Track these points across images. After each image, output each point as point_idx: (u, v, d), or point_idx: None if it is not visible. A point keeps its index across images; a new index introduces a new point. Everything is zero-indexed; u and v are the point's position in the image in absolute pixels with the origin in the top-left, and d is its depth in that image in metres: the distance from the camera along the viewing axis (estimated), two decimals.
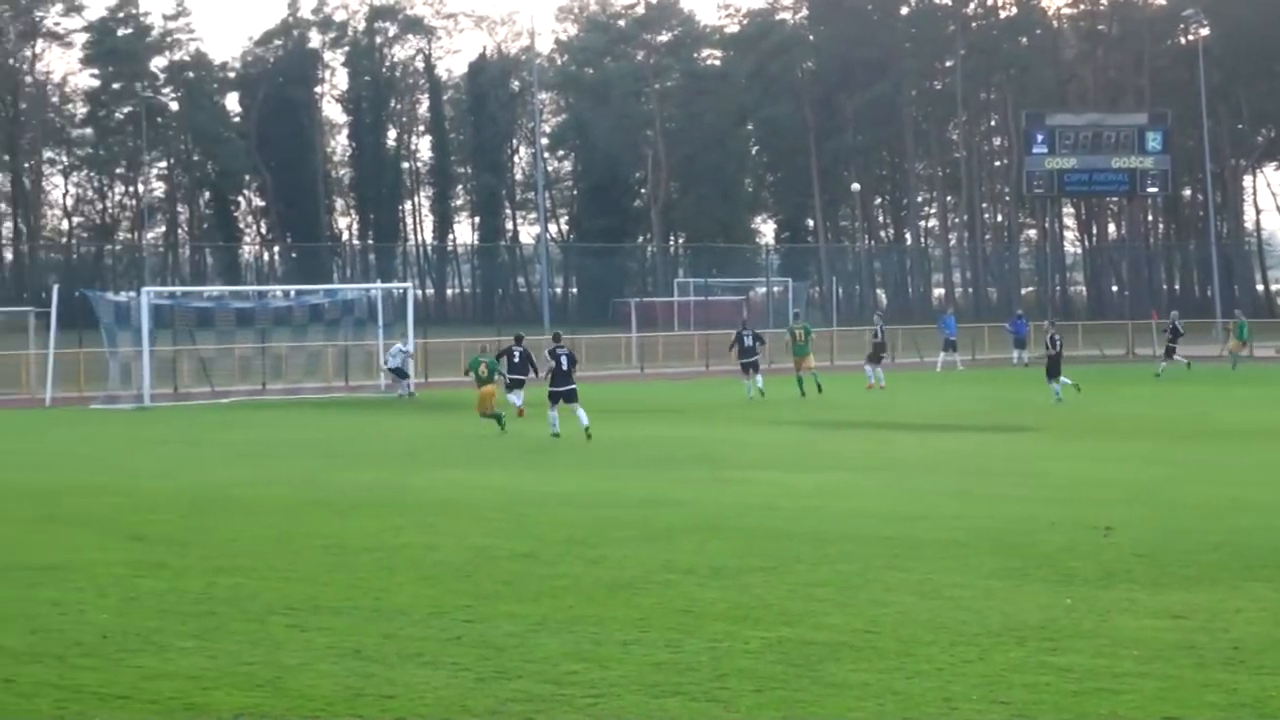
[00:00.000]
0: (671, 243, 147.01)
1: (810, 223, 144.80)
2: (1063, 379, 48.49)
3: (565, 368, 38.25)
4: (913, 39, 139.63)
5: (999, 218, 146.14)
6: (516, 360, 42.35)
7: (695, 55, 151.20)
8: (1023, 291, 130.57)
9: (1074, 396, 47.93)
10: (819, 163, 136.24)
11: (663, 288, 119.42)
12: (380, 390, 56.88)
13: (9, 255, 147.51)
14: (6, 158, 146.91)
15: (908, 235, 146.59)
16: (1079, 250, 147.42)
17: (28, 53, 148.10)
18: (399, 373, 55.35)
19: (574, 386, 38.17)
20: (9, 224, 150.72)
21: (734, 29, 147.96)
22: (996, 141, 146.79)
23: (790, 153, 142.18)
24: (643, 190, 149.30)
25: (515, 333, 45.82)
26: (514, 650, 14.46)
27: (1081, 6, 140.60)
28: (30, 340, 61.05)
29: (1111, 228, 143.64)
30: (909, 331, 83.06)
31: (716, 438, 37.04)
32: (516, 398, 42.54)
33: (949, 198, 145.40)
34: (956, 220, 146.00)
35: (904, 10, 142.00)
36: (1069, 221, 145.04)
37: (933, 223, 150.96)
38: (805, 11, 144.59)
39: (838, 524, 22.12)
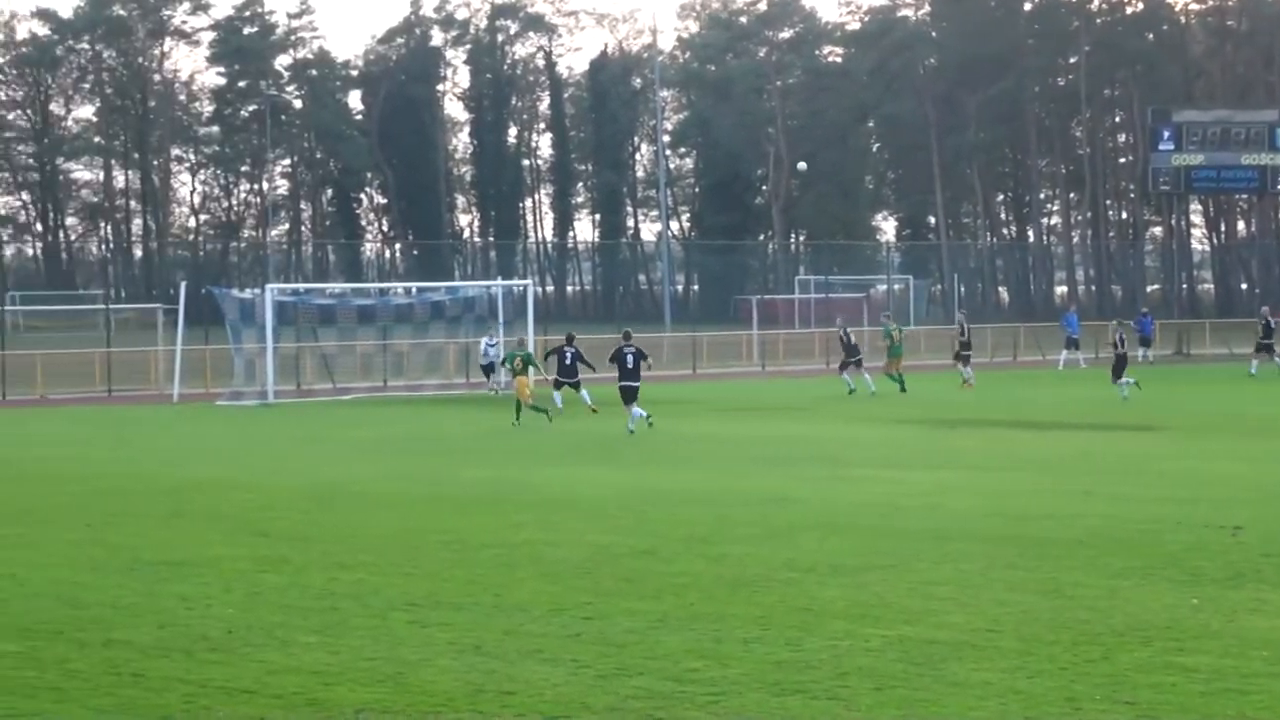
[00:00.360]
0: (792, 240, 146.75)
1: (931, 220, 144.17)
2: (1125, 379, 48.28)
3: (631, 366, 39.22)
4: (1036, 35, 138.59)
5: (1124, 215, 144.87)
6: (568, 362, 42.79)
7: (816, 52, 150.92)
8: (1148, 289, 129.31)
9: (1136, 394, 47.66)
10: (940, 159, 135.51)
11: (784, 285, 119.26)
12: (501, 387, 57.02)
13: (138, 252, 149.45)
14: (136, 156, 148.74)
15: (1030, 232, 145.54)
16: (1207, 248, 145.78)
17: (156, 51, 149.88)
18: (490, 368, 55.08)
19: (637, 385, 39.07)
20: (138, 221, 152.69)
21: (855, 26, 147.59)
22: (1121, 138, 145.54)
23: (911, 149, 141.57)
24: (764, 187, 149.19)
25: (567, 332, 46.13)
26: (634, 647, 14.45)
27: (1210, 2, 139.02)
28: (159, 336, 61.75)
29: (1240, 225, 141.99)
30: (1031, 329, 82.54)
31: (837, 436, 36.93)
32: (559, 397, 42.96)
33: (1072, 195, 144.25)
34: (1080, 217, 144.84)
35: (1027, 6, 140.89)
36: (1196, 219, 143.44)
37: (1055, 220, 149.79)
38: (927, 8, 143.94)
39: (958, 522, 21.99)
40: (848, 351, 53.25)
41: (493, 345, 55.47)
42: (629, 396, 38.71)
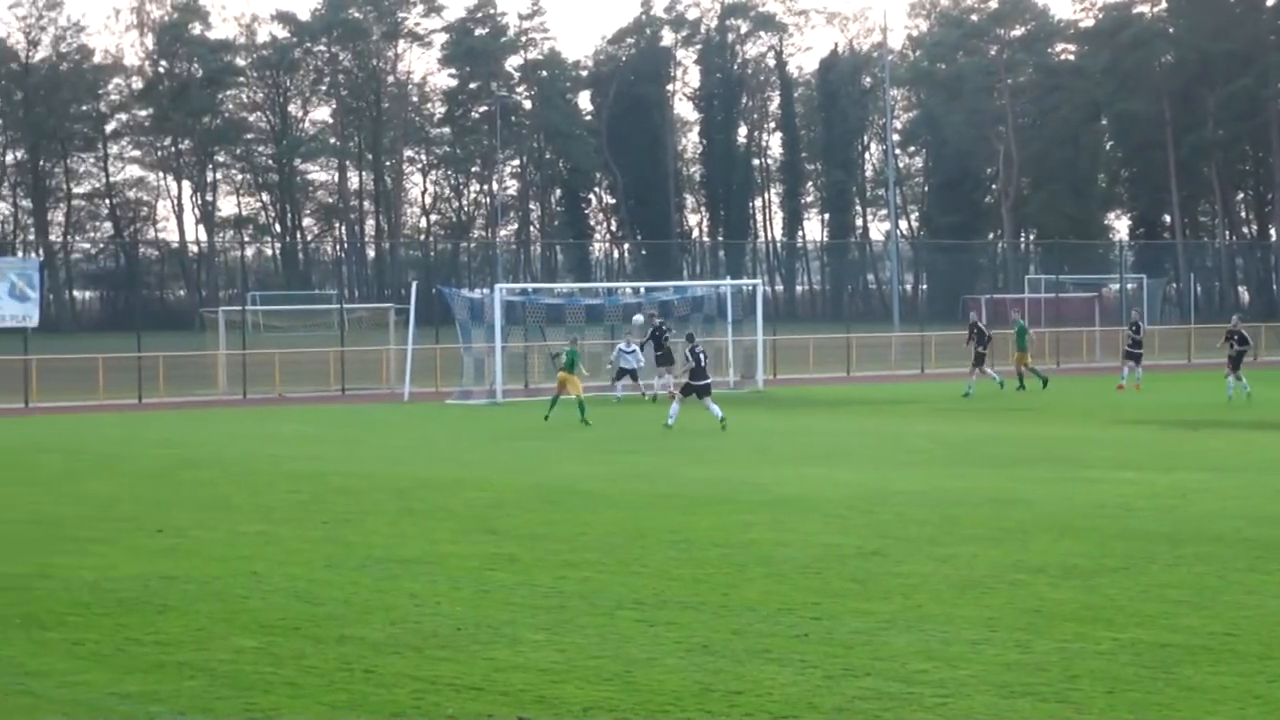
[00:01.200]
0: (1022, 239, 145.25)
1: (1167, 218, 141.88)
2: (1239, 379, 47.36)
3: (702, 364, 41.32)
4: (1278, 30, 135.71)
5: None
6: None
7: (1049, 50, 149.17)
8: None
9: (1245, 399, 46.50)
10: (1177, 157, 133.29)
11: (1013, 284, 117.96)
12: (730, 387, 57.04)
13: (371, 252, 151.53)
14: (369, 157, 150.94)
15: (1272, 231, 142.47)
16: None
17: (390, 53, 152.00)
18: (631, 374, 52.93)
19: (709, 382, 41.55)
20: (371, 221, 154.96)
21: (1089, 23, 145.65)
22: None
23: (1146, 147, 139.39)
24: (994, 186, 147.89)
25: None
26: (862, 648, 14.38)
27: None
28: (390, 336, 62.53)
29: None
30: (1273, 329, 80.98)
31: (1066, 436, 36.47)
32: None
33: None
34: None
35: (1269, 1, 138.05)
36: None
37: None
38: (1164, 4, 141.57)
39: (1196, 524, 21.61)
40: (982, 343, 53.27)
41: (629, 351, 53.82)
42: (700, 393, 40.76)
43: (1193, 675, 13.25)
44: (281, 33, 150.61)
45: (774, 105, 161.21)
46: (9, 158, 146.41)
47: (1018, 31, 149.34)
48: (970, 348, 53.98)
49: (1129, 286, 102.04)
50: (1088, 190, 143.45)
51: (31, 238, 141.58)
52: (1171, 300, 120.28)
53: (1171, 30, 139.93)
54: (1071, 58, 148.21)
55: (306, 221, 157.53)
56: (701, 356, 41.59)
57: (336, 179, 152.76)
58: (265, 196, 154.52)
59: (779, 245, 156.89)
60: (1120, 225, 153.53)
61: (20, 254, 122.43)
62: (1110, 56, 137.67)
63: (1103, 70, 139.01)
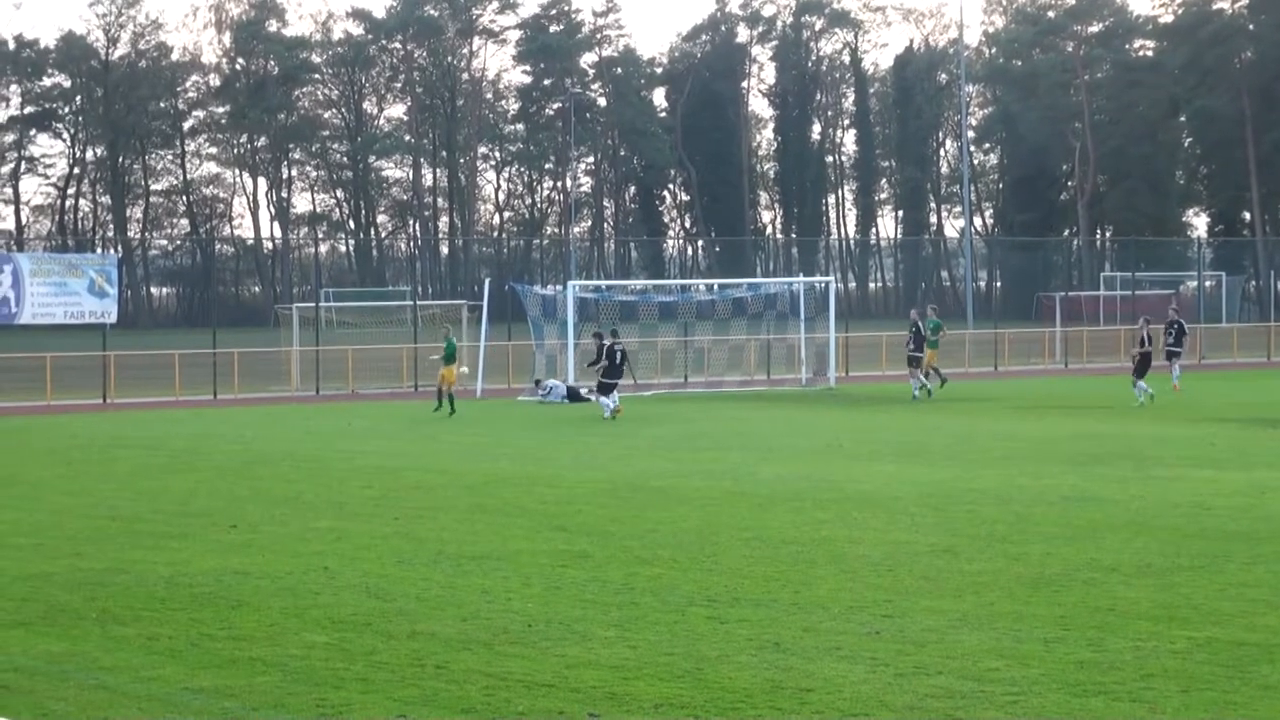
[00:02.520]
0: (1098, 236, 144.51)
1: (1246, 215, 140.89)
2: (1141, 383, 45.51)
3: (618, 362, 43.93)
4: None
5: None
6: (618, 362, 44.35)
7: (1127, 46, 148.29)
8: None
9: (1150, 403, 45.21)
10: (1257, 154, 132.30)
11: (1089, 282, 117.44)
12: (802, 384, 56.98)
13: (444, 249, 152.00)
14: (443, 154, 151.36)
15: None
16: None
17: (464, 50, 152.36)
18: (571, 394, 50.82)
19: (618, 382, 43.93)
20: (445, 218, 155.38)
21: (1168, 19, 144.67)
22: None
23: (1226, 144, 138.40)
24: (1069, 183, 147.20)
25: (611, 328, 48.13)
26: (933, 646, 14.32)
27: None
28: (463, 332, 62.68)
29: None
30: None
31: (1141, 434, 36.21)
32: (611, 400, 43.51)
33: None
34: None
35: None
36: None
37: None
38: (1245, 0, 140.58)
39: (1275, 523, 21.45)
40: (917, 345, 51.71)
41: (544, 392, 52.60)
42: (609, 389, 43.27)
43: (1270, 674, 13.15)
44: (357, 30, 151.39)
45: (848, 102, 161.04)
46: (89, 154, 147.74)
47: (1095, 28, 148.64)
48: (907, 350, 52.70)
49: (1207, 284, 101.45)
50: (1165, 187, 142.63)
51: (110, 234, 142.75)
52: (1251, 298, 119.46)
53: (1252, 27, 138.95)
54: (1150, 54, 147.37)
55: (380, 218, 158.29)
56: (618, 355, 43.68)
57: (410, 176, 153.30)
58: (339, 193, 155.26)
59: (852, 242, 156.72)
60: (1199, 222, 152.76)
61: (99, 250, 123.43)
62: (1190, 52, 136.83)
63: (1182, 66, 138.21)
